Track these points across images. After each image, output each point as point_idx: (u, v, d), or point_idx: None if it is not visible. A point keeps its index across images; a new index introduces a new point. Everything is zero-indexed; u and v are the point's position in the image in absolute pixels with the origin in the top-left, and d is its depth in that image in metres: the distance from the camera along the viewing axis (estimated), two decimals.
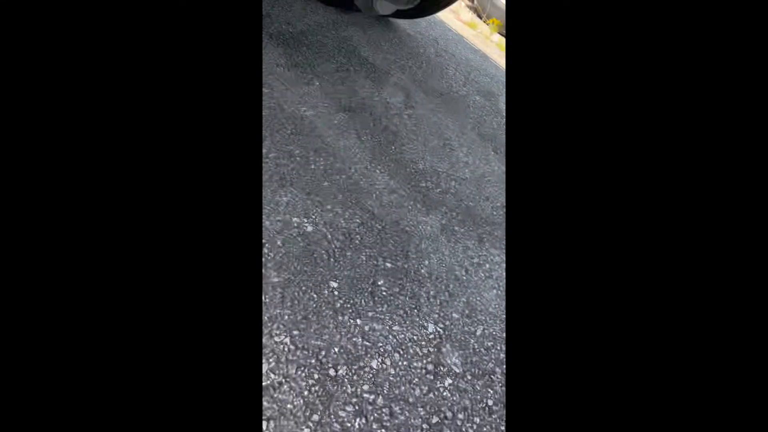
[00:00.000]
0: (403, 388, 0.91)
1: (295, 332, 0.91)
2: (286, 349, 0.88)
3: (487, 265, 1.32)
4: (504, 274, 1.31)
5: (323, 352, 0.91)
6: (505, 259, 1.36)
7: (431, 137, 1.78)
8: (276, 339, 0.89)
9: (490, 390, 0.99)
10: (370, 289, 1.08)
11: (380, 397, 0.88)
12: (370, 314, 1.02)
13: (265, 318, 0.91)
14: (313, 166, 1.35)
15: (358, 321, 0.99)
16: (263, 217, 1.12)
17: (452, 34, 3.02)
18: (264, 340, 0.88)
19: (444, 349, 1.03)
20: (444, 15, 3.15)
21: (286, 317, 0.93)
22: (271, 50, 1.76)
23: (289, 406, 0.80)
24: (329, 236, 1.16)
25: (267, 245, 1.06)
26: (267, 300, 0.95)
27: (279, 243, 1.07)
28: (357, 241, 1.18)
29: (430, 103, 2.01)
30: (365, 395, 0.87)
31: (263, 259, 1.02)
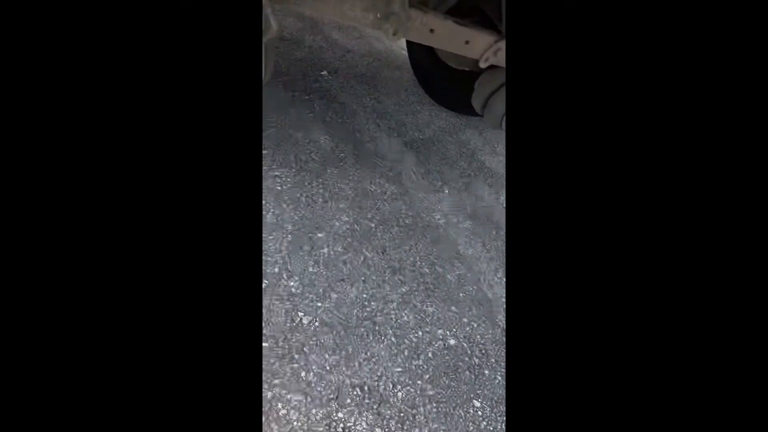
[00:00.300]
0: None
1: None
2: None
3: None
4: None
5: None
6: None
7: None
8: None
9: None
10: None
11: None
12: None
13: (426, 431, 1.05)
14: (449, 276, 1.52)
15: None
16: (416, 327, 1.29)
17: None
18: None
19: None
20: None
21: None
22: (409, 158, 2.04)
23: None
24: (469, 351, 1.29)
25: (422, 356, 1.22)
26: (426, 412, 1.09)
27: (430, 355, 1.23)
28: (492, 360, 1.30)
29: None
30: None
31: (419, 371, 1.17)
